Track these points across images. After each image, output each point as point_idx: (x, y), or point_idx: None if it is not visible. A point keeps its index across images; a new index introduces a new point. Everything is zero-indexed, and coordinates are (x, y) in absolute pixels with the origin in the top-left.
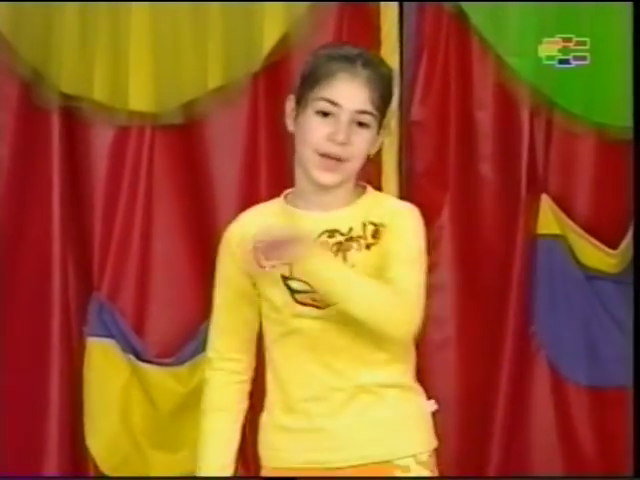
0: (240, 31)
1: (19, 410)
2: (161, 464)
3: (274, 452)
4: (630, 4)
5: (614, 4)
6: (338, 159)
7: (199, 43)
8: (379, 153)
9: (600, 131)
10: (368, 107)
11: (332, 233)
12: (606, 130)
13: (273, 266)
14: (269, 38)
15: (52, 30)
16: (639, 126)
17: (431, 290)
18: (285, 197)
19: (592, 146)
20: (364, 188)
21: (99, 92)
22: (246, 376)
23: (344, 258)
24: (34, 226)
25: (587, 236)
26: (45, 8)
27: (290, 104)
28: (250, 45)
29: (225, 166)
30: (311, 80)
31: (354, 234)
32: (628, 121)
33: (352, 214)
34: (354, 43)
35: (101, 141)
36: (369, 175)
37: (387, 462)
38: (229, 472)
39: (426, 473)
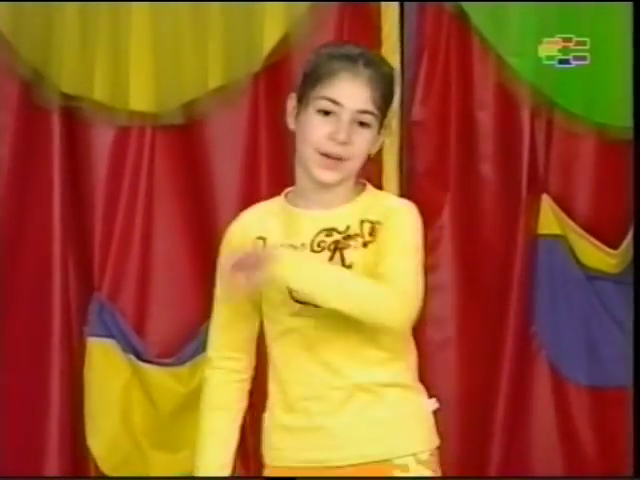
0: (240, 31)
1: (20, 410)
2: (161, 464)
3: (276, 451)
4: (630, 4)
5: (614, 4)
6: (339, 159)
7: (199, 43)
8: (380, 153)
9: (600, 131)
10: (369, 107)
11: (330, 232)
12: (606, 130)
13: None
14: (269, 38)
15: (52, 30)
16: (639, 126)
17: (431, 290)
18: (286, 196)
19: (592, 146)
20: (364, 186)
21: (99, 92)
22: (246, 375)
23: (341, 256)
24: (35, 226)
25: (587, 236)
26: (45, 8)
27: (291, 102)
28: (250, 45)
29: (225, 166)
30: (313, 79)
31: (351, 232)
32: (628, 121)
33: (350, 212)
34: (355, 43)
35: (101, 141)
36: (370, 175)
37: (386, 461)
38: (227, 471)
39: (427, 472)
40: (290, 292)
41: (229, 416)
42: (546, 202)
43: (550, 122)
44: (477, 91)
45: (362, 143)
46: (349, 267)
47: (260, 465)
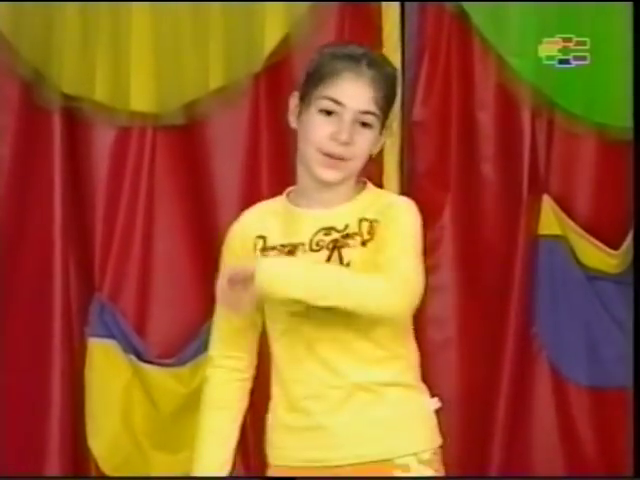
0: (241, 31)
1: (20, 410)
2: (162, 464)
3: (278, 450)
4: (630, 4)
5: (614, 4)
6: (341, 159)
7: (200, 43)
8: (380, 153)
9: (601, 131)
10: (372, 107)
11: (328, 230)
12: (607, 130)
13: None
14: (270, 38)
15: (53, 30)
16: (639, 126)
17: (432, 291)
18: (287, 195)
19: (593, 146)
20: (364, 184)
21: (100, 92)
22: (247, 374)
23: (339, 255)
24: (35, 226)
25: (588, 237)
26: (46, 8)
27: (294, 101)
28: (251, 45)
29: (226, 167)
30: (316, 78)
31: (350, 231)
32: (628, 121)
33: (349, 211)
34: (356, 43)
35: (102, 142)
36: (370, 175)
37: (386, 461)
38: (225, 470)
39: (429, 472)
40: None
41: (229, 415)
42: (547, 202)
43: (551, 122)
44: (478, 91)
45: (364, 143)
46: (347, 266)
47: (261, 464)
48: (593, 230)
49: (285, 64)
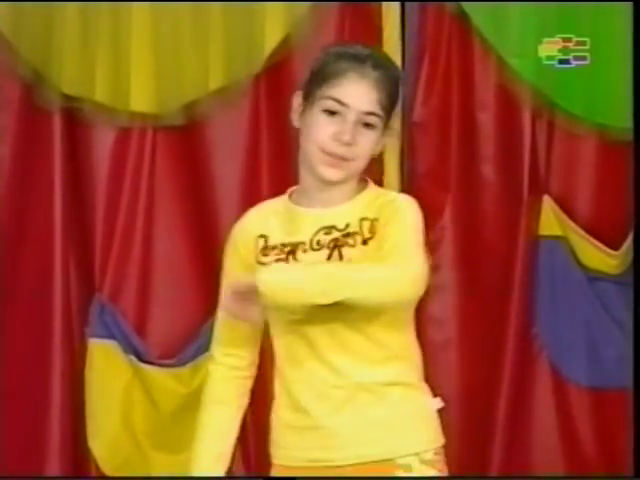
0: (241, 32)
1: (21, 411)
2: (162, 465)
3: (281, 450)
4: (630, 4)
5: (614, 4)
6: (343, 159)
7: (200, 44)
8: (381, 154)
9: (601, 132)
10: (375, 108)
11: (329, 230)
12: (607, 131)
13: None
14: (270, 39)
15: (53, 30)
16: (639, 127)
17: (433, 291)
18: (289, 195)
19: (593, 147)
20: (366, 183)
21: (100, 93)
22: (248, 372)
23: (339, 254)
24: (35, 227)
25: (588, 237)
26: (46, 8)
27: (297, 99)
28: (251, 46)
29: (226, 167)
30: (320, 77)
31: (350, 230)
32: (629, 122)
33: (350, 210)
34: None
35: (102, 142)
36: (371, 175)
37: (388, 461)
38: (222, 464)
39: (431, 472)
40: None
41: (228, 411)
42: (547, 203)
43: (551, 123)
44: (478, 92)
45: (366, 144)
46: None
47: (261, 464)
48: (593, 231)
49: (285, 64)
